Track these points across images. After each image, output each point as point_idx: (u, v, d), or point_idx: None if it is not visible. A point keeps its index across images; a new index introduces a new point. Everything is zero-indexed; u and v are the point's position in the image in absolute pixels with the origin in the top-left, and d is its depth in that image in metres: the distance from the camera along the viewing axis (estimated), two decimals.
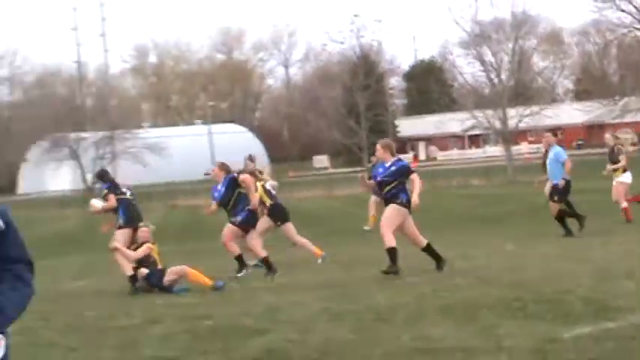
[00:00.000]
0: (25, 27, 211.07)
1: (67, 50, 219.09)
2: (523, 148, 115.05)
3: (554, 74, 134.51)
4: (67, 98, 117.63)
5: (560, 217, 26.20)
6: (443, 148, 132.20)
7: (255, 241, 21.79)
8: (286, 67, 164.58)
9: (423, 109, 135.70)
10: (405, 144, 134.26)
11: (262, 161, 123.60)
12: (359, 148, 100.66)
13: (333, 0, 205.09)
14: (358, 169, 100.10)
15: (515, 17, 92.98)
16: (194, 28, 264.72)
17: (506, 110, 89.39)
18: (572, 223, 25.71)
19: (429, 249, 19.56)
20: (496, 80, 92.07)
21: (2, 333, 6.02)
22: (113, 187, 22.60)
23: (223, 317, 15.56)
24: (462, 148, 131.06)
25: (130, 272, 20.25)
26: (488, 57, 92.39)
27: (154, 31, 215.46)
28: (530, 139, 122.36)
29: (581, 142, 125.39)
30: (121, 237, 21.48)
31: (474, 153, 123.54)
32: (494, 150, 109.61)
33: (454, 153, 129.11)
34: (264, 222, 23.08)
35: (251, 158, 25.39)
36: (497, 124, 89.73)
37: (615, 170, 30.08)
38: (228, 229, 21.95)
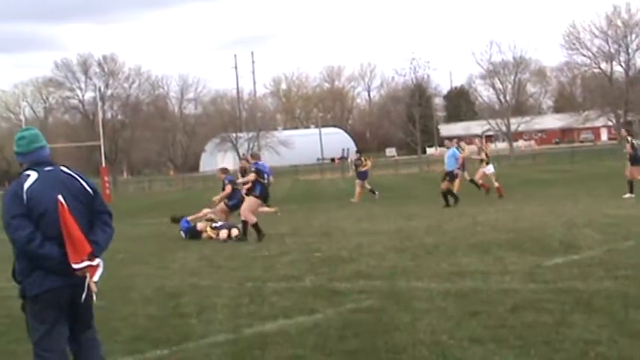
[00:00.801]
0: (201, 64, 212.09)
1: (230, 81, 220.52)
2: (520, 143, 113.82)
3: (540, 96, 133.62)
4: (230, 112, 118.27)
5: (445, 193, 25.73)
6: (469, 144, 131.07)
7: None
8: (368, 91, 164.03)
9: (455, 118, 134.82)
10: (445, 140, 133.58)
11: (353, 152, 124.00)
12: (415, 143, 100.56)
13: (399, 46, 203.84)
14: (414, 156, 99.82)
15: (515, 59, 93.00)
16: (310, 65, 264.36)
17: (510, 119, 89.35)
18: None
19: None
20: (503, 100, 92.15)
21: (98, 257, 6.16)
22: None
23: (328, 251, 15.58)
24: (481, 143, 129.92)
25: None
26: (498, 85, 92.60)
27: (286, 65, 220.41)
28: (525, 137, 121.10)
29: (557, 141, 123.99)
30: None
31: (488, 147, 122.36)
32: (501, 145, 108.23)
33: (475, 147, 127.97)
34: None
35: (245, 158, 23.11)
36: (504, 128, 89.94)
37: (481, 161, 30.86)
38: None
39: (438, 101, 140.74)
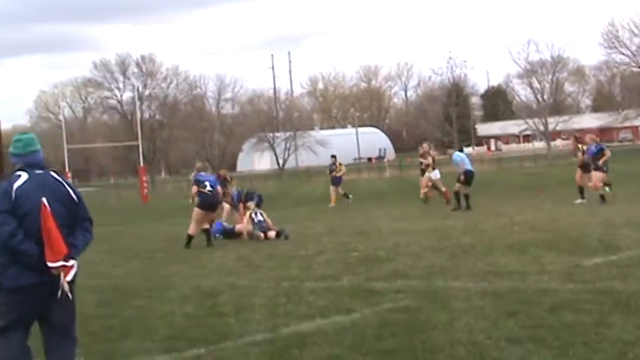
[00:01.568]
0: (238, 64, 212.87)
1: (267, 80, 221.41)
2: (558, 143, 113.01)
3: (578, 95, 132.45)
4: (267, 111, 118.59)
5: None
6: (506, 143, 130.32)
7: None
8: (405, 91, 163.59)
9: (493, 117, 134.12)
10: (482, 140, 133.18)
11: (391, 152, 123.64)
12: (452, 142, 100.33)
13: (436, 45, 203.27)
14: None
15: (553, 58, 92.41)
16: (347, 64, 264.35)
17: (547, 119, 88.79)
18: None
19: None
20: (540, 99, 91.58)
21: (74, 259, 6.47)
22: None
23: (365, 250, 15.58)
24: (519, 143, 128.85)
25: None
26: (536, 84, 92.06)
27: (323, 65, 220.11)
28: (562, 137, 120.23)
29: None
30: None
31: (526, 146, 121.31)
32: (539, 144, 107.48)
33: (513, 146, 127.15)
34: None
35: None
36: (541, 127, 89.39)
37: (427, 166, 29.14)
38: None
39: (475, 100, 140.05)
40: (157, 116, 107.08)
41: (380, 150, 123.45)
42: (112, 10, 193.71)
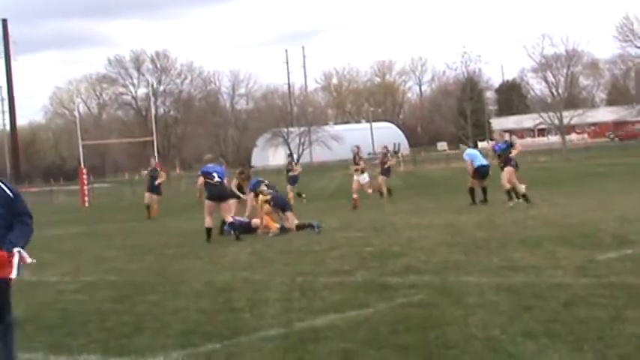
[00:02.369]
0: (252, 59, 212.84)
1: (281, 76, 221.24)
2: (573, 137, 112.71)
3: (593, 89, 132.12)
4: (281, 107, 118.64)
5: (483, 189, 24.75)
6: (521, 137, 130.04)
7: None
8: (420, 85, 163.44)
9: (507, 111, 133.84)
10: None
11: (406, 146, 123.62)
12: (466, 137, 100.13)
13: (450, 40, 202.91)
14: None
15: (568, 52, 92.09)
16: (361, 59, 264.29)
17: (562, 113, 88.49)
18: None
19: None
20: (555, 93, 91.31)
21: (11, 251, 6.49)
22: None
23: (379, 245, 15.55)
24: (533, 137, 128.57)
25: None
26: (550, 78, 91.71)
27: (336, 60, 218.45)
28: (577, 131, 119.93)
29: (612, 134, 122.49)
30: None
31: (540, 140, 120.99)
32: (554, 138, 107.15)
33: (528, 140, 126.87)
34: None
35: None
36: (556, 122, 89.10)
37: (356, 170, 28.70)
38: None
39: (490, 95, 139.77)
40: (172, 112, 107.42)
41: (395, 145, 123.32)
42: (125, 5, 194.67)
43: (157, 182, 30.58)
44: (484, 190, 24.46)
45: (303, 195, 33.64)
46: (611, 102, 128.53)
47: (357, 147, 29.48)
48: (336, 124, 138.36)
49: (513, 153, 23.45)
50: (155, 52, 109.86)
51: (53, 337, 9.26)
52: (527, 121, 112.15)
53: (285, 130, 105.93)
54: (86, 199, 52.56)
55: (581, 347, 7.12)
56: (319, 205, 30.75)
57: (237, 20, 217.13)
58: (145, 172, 31.14)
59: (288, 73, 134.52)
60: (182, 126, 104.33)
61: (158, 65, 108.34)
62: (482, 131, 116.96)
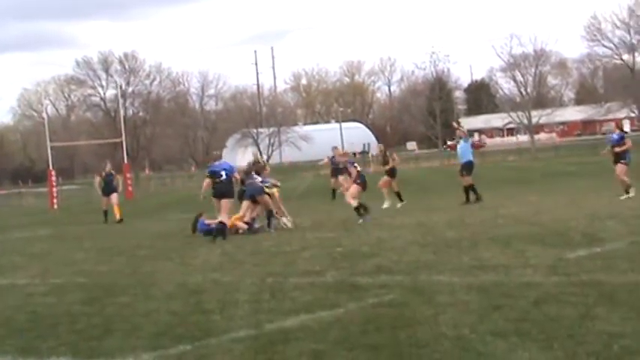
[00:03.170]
0: (221, 60, 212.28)
1: (251, 76, 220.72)
2: (542, 136, 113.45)
3: (561, 88, 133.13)
4: (250, 107, 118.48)
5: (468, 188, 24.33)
6: (490, 137, 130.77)
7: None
8: (389, 85, 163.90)
9: (476, 111, 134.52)
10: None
11: (375, 146, 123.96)
12: (435, 137, 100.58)
13: (419, 40, 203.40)
14: (435, 150, 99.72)
15: (536, 52, 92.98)
16: (330, 60, 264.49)
17: (531, 112, 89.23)
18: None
19: None
20: (524, 93, 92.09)
21: None
22: None
23: (349, 246, 15.55)
24: (502, 136, 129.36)
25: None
26: (519, 77, 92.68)
27: (306, 60, 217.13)
28: (546, 130, 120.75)
29: (579, 133, 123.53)
30: None
31: (509, 140, 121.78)
32: (523, 138, 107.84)
33: (497, 139, 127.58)
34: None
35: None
36: (525, 121, 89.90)
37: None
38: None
39: (459, 94, 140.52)
40: (141, 113, 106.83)
41: (364, 145, 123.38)
42: (93, 7, 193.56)
43: (115, 184, 30.40)
44: (471, 188, 24.33)
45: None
46: (579, 101, 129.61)
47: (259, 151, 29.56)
48: (305, 124, 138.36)
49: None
50: (123, 53, 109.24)
51: (23, 340, 9.18)
52: (496, 120, 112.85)
53: (255, 130, 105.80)
54: (55, 201, 52.18)
55: (551, 345, 7.16)
56: (290, 206, 30.65)
57: (206, 21, 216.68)
58: (99, 177, 30.47)
59: (257, 73, 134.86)
60: (151, 127, 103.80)
61: (126, 66, 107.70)
62: (451, 131, 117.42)
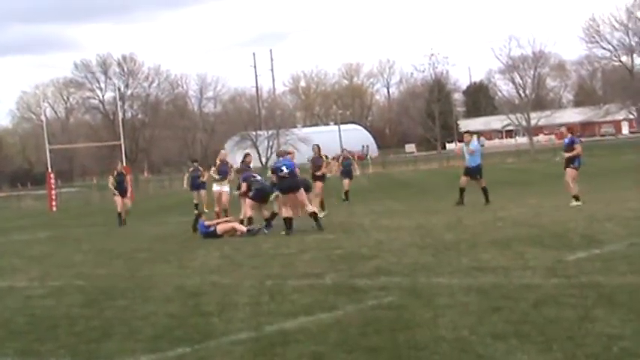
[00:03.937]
0: (219, 63, 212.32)
1: (249, 79, 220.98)
2: (540, 138, 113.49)
3: (560, 90, 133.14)
4: (249, 110, 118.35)
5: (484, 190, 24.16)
6: (489, 139, 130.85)
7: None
8: (387, 88, 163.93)
9: (475, 113, 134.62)
10: (464, 136, 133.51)
11: (374, 149, 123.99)
12: (435, 139, 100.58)
13: (418, 42, 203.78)
14: (433, 152, 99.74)
15: (535, 54, 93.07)
16: (329, 62, 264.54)
17: (530, 114, 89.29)
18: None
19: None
20: (522, 95, 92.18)
21: None
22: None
23: (348, 248, 15.54)
24: (501, 138, 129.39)
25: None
26: (517, 79, 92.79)
27: (304, 63, 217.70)
28: (545, 132, 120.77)
29: (578, 134, 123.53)
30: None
31: (508, 142, 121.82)
32: (522, 139, 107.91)
33: (496, 141, 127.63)
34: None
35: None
36: (524, 123, 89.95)
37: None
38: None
39: (458, 97, 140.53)
40: (139, 116, 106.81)
41: (363, 147, 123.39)
42: (91, 10, 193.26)
43: (125, 185, 29.33)
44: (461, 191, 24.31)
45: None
46: (578, 103, 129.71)
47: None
48: (304, 126, 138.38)
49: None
50: (122, 55, 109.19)
51: (22, 342, 9.18)
52: (495, 122, 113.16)
53: (254, 133, 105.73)
54: (54, 203, 52.18)
55: (550, 347, 7.15)
56: None
57: (205, 23, 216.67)
58: (112, 177, 29.47)
59: (256, 76, 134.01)
60: (150, 129, 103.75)
61: (125, 69, 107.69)
62: (449, 133, 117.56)
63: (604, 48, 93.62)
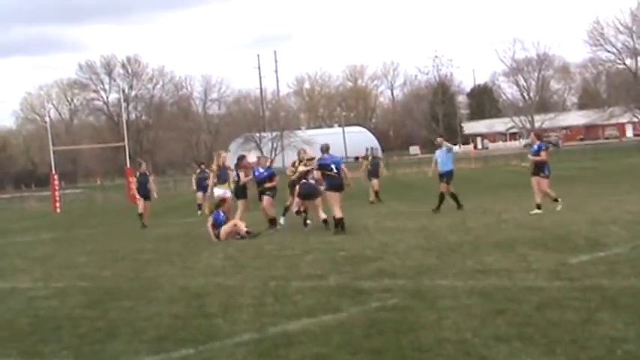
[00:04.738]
0: (224, 64, 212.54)
1: (254, 80, 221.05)
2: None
3: (564, 93, 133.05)
4: (253, 111, 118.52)
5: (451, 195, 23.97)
6: (492, 141, 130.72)
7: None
8: (392, 90, 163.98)
9: (479, 115, 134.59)
10: (468, 138, 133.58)
11: (378, 151, 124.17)
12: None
13: (422, 45, 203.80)
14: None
15: (539, 56, 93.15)
16: (333, 64, 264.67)
17: (534, 116, 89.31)
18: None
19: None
20: (527, 97, 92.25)
21: None
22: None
23: (352, 249, 15.55)
24: (505, 141, 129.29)
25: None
26: (522, 82, 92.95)
27: (309, 65, 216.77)
28: (549, 134, 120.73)
29: (582, 137, 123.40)
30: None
31: (512, 144, 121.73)
32: (525, 142, 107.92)
33: (500, 144, 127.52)
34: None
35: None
36: (528, 125, 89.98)
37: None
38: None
39: (462, 99, 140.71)
40: (143, 117, 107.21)
41: (367, 149, 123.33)
42: (95, 11, 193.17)
43: (148, 187, 28.14)
44: (441, 197, 24.09)
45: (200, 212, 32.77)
46: (582, 106, 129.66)
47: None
48: (308, 128, 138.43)
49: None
50: (126, 57, 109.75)
51: (25, 343, 9.19)
52: (499, 124, 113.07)
53: (258, 134, 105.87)
54: (58, 204, 52.19)
55: (553, 350, 7.15)
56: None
57: (209, 25, 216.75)
58: (135, 178, 28.71)
59: (260, 77, 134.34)
60: (154, 131, 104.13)
61: (129, 70, 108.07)
62: (453, 135, 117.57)
63: (608, 51, 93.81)
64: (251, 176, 21.79)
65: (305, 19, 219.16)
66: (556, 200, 21.35)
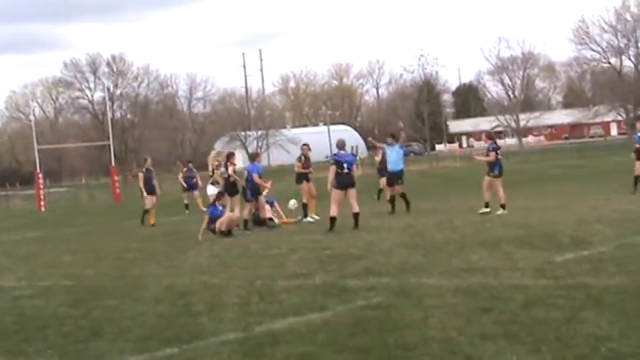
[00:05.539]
0: (209, 63, 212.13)
1: (239, 79, 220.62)
2: (530, 139, 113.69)
3: (549, 91, 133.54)
4: (238, 110, 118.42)
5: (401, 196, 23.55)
6: (477, 140, 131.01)
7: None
8: (377, 88, 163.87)
9: (464, 114, 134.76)
10: (453, 137, 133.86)
11: (363, 149, 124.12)
12: (424, 139, 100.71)
13: (407, 43, 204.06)
14: (425, 153, 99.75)
15: (524, 55, 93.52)
16: (318, 63, 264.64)
17: (519, 115, 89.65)
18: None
19: None
20: (512, 96, 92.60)
21: None
22: None
23: (338, 248, 15.54)
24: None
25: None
26: (507, 81, 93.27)
27: (294, 63, 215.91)
28: (534, 133, 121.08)
29: (567, 136, 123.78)
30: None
31: (497, 143, 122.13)
32: (511, 141, 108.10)
33: (484, 143, 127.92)
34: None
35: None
36: (513, 124, 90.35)
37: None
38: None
39: (447, 98, 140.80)
40: (128, 116, 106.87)
41: (352, 147, 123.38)
42: (81, 9, 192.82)
43: (154, 183, 28.03)
44: (391, 200, 23.86)
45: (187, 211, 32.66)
46: (567, 104, 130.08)
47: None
48: (293, 127, 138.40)
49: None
50: (111, 55, 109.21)
51: (10, 342, 9.15)
52: (484, 123, 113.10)
53: (243, 133, 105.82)
54: (42, 203, 52.03)
55: (539, 348, 7.17)
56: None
57: (194, 23, 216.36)
58: (141, 174, 28.20)
59: (246, 76, 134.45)
60: (139, 130, 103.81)
61: (114, 69, 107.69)
62: (439, 134, 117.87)
63: (593, 50, 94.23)
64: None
65: (290, 18, 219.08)
66: (486, 205, 21.20)
